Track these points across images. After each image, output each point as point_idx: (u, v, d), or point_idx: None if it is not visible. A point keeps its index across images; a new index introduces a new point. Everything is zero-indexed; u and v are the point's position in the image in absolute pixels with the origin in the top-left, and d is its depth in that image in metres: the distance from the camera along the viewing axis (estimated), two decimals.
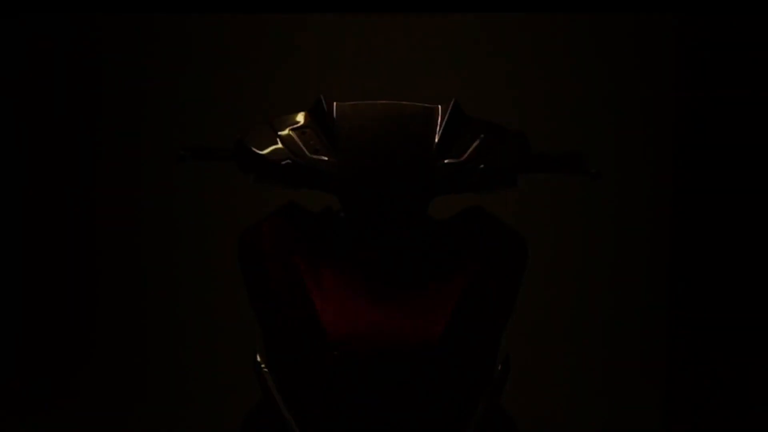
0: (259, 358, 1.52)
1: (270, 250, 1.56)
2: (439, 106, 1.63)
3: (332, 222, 1.61)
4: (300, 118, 1.66)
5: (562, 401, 3.14)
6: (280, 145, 1.61)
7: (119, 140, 3.36)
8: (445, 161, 1.57)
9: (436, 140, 1.58)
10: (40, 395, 3.16)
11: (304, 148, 1.60)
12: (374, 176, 1.54)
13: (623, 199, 3.20)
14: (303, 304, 1.48)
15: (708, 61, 2.41)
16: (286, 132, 1.64)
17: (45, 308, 3.31)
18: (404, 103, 1.64)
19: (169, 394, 3.20)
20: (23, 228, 3.31)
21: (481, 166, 1.57)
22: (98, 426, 3.02)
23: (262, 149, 1.62)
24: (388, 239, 1.54)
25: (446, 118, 1.61)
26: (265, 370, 1.51)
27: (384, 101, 1.65)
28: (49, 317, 3.32)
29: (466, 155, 1.58)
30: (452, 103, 1.63)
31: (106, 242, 3.35)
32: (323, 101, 1.64)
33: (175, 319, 3.33)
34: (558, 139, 2.92)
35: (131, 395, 3.20)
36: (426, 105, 1.64)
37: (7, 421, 2.98)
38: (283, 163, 1.59)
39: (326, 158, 1.58)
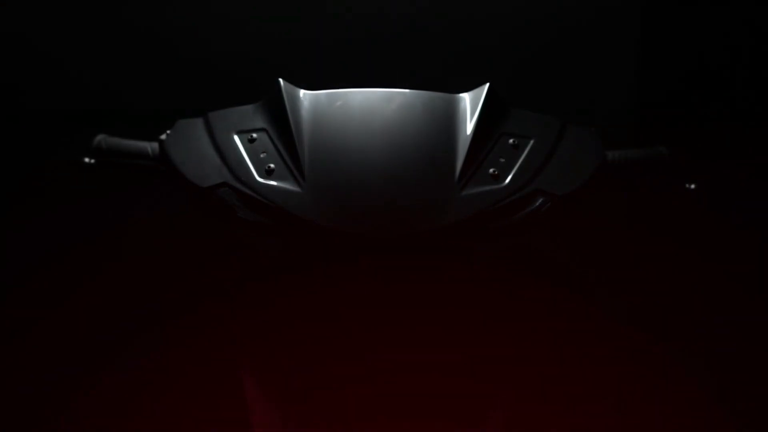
0: None
1: None
2: (466, 96, 1.11)
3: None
4: (248, 115, 1.13)
5: None
6: (216, 160, 1.08)
7: None
8: (471, 189, 1.04)
9: (461, 154, 1.05)
10: None
11: (250, 166, 1.07)
12: (364, 213, 1.00)
13: None
14: None
15: None
16: (226, 137, 1.10)
17: None
18: (407, 91, 1.10)
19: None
20: None
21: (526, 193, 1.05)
22: None
23: (185, 163, 1.08)
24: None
25: (476, 117, 1.08)
26: None
27: (379, 90, 1.10)
28: None
29: (507, 178, 1.06)
30: (485, 92, 1.11)
31: None
32: (283, 89, 1.12)
33: None
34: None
35: None
36: (445, 95, 1.12)
37: None
38: (212, 188, 1.06)
39: (284, 184, 1.04)
